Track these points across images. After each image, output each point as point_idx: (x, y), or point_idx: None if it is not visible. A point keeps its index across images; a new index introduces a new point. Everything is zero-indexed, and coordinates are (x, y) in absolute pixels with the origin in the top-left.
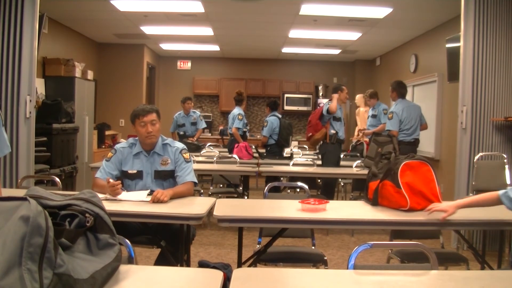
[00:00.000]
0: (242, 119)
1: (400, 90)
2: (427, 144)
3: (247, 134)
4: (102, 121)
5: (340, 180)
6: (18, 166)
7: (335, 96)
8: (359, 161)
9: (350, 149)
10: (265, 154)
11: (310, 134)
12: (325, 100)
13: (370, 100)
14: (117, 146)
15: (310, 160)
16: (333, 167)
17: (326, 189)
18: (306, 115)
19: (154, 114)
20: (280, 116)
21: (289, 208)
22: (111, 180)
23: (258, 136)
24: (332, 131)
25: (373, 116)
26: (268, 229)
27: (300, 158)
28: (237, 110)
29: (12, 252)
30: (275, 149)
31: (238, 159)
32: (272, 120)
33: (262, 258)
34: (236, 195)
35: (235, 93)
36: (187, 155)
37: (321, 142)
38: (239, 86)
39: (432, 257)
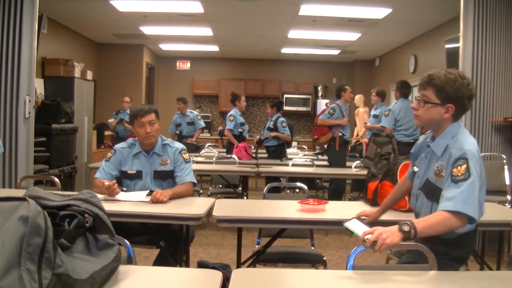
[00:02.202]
0: (233, 120)
1: (403, 90)
2: None
3: (245, 134)
4: (101, 121)
5: None
6: (17, 166)
7: (343, 121)
8: (358, 162)
9: (350, 149)
10: (266, 154)
11: (316, 137)
12: (325, 101)
13: (375, 96)
14: (117, 146)
15: (310, 161)
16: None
17: (335, 192)
18: (305, 116)
19: (152, 115)
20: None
21: (288, 209)
22: (106, 183)
23: (258, 136)
24: (339, 134)
25: (375, 116)
26: (267, 229)
27: (300, 159)
28: (231, 111)
29: (11, 252)
30: (281, 149)
31: (237, 160)
32: (287, 121)
33: (261, 258)
34: (235, 196)
35: None
36: (186, 156)
37: (328, 144)
38: (239, 87)
39: (431, 258)
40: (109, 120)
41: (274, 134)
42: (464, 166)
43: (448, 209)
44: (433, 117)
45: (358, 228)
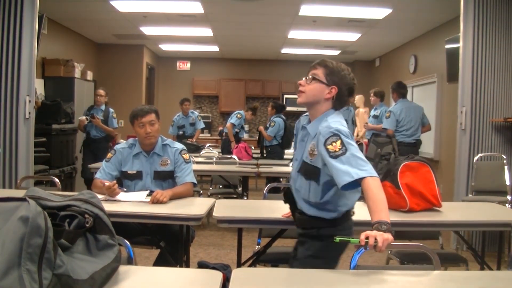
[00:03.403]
0: (240, 118)
1: (400, 91)
2: (426, 145)
3: (240, 135)
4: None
5: None
6: (17, 166)
7: None
8: None
9: None
10: (265, 154)
11: None
12: None
13: (373, 97)
14: (117, 146)
15: None
16: None
17: None
18: None
19: (152, 115)
20: (284, 118)
21: (287, 209)
22: (106, 183)
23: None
24: None
25: (375, 116)
26: (267, 229)
27: None
28: (240, 111)
29: (11, 252)
30: (277, 150)
31: (238, 160)
32: (279, 122)
33: (262, 258)
34: (235, 196)
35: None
36: (186, 156)
37: None
38: (239, 87)
39: (434, 258)
40: (79, 118)
41: (261, 128)
42: (339, 142)
43: (346, 180)
44: (316, 94)
45: (350, 237)
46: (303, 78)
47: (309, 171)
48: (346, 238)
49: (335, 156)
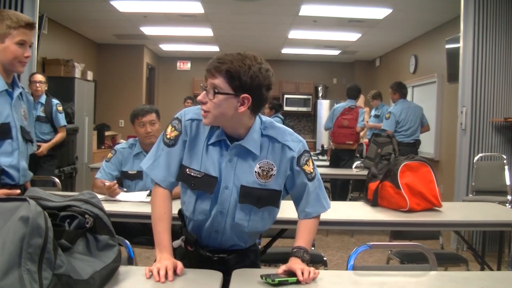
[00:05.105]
0: None
1: (401, 90)
2: (427, 145)
3: None
4: (101, 122)
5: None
6: None
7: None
8: (358, 162)
9: None
10: None
11: (351, 142)
12: (326, 101)
13: (373, 101)
14: (117, 146)
15: None
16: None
17: (343, 190)
18: (306, 116)
19: (153, 114)
20: (282, 118)
21: (288, 209)
22: (106, 183)
23: None
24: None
25: (376, 116)
26: (267, 229)
27: None
28: None
29: (11, 252)
30: None
31: None
32: (277, 122)
33: (262, 258)
34: None
35: None
36: None
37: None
38: None
39: (431, 258)
40: None
41: None
42: (310, 160)
43: (320, 212)
44: (225, 112)
45: (284, 274)
46: (202, 91)
47: (265, 197)
48: (284, 278)
49: (311, 179)
